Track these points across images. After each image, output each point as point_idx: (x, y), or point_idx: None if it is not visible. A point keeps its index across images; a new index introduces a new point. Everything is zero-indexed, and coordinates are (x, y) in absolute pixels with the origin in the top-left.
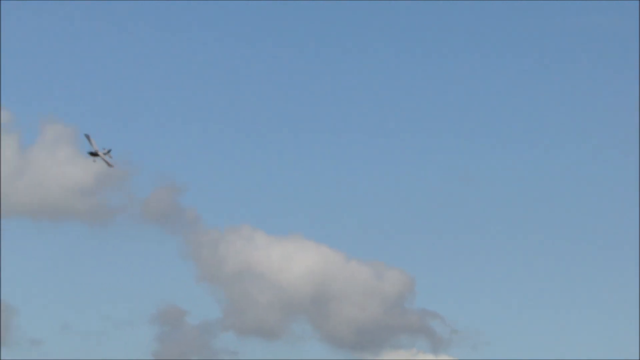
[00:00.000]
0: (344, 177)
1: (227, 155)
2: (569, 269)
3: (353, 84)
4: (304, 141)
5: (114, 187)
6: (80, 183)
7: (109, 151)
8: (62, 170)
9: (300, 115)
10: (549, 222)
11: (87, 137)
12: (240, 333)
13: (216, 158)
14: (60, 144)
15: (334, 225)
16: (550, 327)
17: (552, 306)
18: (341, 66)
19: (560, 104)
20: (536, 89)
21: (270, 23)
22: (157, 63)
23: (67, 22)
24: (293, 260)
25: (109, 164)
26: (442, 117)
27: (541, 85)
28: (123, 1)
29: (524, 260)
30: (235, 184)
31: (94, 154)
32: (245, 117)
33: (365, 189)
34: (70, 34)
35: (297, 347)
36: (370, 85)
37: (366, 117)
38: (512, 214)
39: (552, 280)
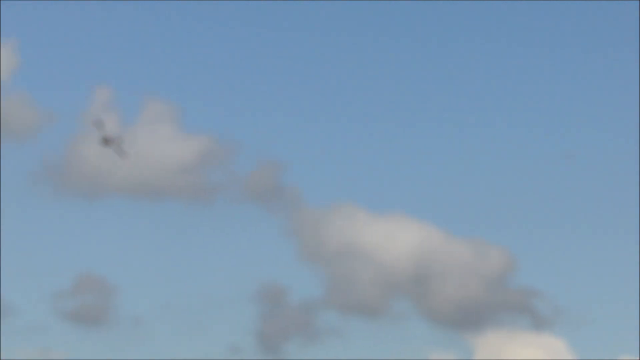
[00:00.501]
0: (445, 153)
1: (328, 133)
2: None
3: (454, 68)
4: (405, 119)
5: (215, 166)
6: (181, 161)
7: (120, 138)
8: (163, 148)
9: (402, 94)
10: None
11: (100, 122)
12: (341, 311)
13: (318, 136)
14: (161, 122)
15: (435, 202)
16: None
17: None
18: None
19: None
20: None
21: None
22: (259, 39)
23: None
24: (394, 238)
25: (122, 152)
26: (545, 92)
27: None
28: None
29: (632, 237)
30: (337, 161)
31: (107, 141)
32: (347, 95)
33: (466, 166)
34: (169, 11)
35: (399, 325)
36: (468, 69)
37: (464, 95)
38: (616, 191)
39: None
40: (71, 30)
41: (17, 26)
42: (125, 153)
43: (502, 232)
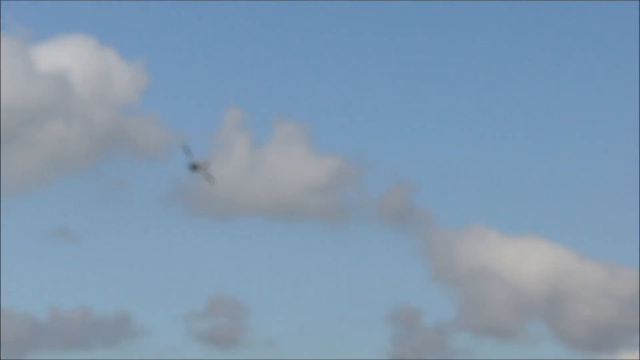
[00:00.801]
0: (577, 176)
1: (461, 155)
2: None
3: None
4: (537, 142)
5: (347, 186)
6: (313, 182)
7: (207, 164)
8: (294, 168)
9: (534, 118)
10: None
11: (186, 148)
12: (475, 333)
13: (449, 157)
14: (292, 142)
15: (567, 224)
16: None
17: None
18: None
19: None
20: None
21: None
22: (391, 61)
23: (296, 21)
24: (527, 260)
25: (210, 178)
26: None
27: None
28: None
29: None
30: (469, 183)
31: (194, 167)
32: (480, 119)
33: (598, 189)
34: (299, 36)
35: (533, 347)
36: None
37: (596, 120)
38: None
39: None
40: (202, 51)
41: (147, 47)
42: (212, 178)
43: (634, 254)
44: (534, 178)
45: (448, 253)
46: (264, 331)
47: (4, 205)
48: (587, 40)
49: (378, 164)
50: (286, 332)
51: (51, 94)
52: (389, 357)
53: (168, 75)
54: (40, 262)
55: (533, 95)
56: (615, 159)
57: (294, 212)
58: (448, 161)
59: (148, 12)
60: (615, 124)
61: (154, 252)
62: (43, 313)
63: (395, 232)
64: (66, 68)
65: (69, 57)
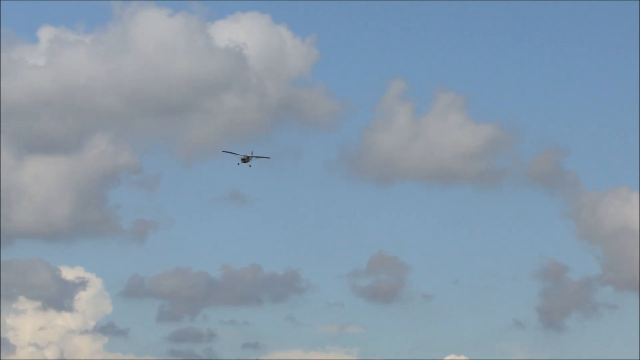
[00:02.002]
0: None
1: (606, 121)
2: None
3: None
4: None
5: (500, 152)
6: (469, 148)
7: (252, 153)
8: (452, 136)
9: None
10: None
11: (229, 152)
12: (618, 288)
13: (596, 123)
14: (451, 111)
15: None
16: None
17: None
18: None
19: None
20: None
21: None
22: (543, 32)
23: None
24: None
25: (265, 157)
26: None
27: None
28: None
29: None
30: (614, 148)
31: (245, 160)
32: (625, 85)
33: None
34: (458, 9)
35: None
36: None
37: None
38: None
39: None
40: (367, 26)
41: (317, 24)
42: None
43: None
44: None
45: (593, 213)
46: (421, 287)
47: (184, 171)
48: None
49: (530, 130)
50: (442, 287)
51: (228, 68)
52: (537, 310)
53: (336, 49)
54: (215, 224)
55: None
56: None
57: (450, 177)
58: (595, 127)
59: None
60: None
61: (320, 214)
62: (217, 271)
63: (544, 194)
64: (242, 43)
65: (244, 33)
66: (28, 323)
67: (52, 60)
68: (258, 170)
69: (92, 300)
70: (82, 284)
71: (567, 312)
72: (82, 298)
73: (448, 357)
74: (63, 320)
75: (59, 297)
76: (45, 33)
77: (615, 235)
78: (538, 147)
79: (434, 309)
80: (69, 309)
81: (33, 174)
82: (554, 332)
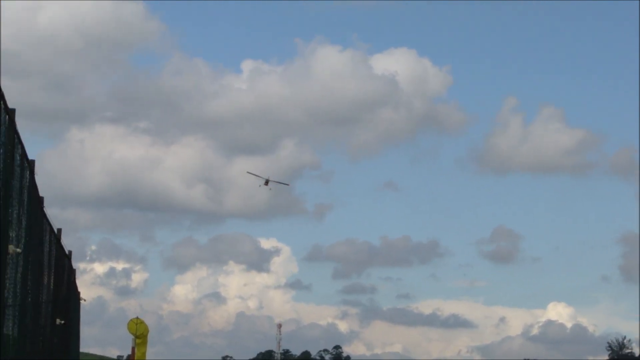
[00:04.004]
0: None
1: None
2: None
3: None
4: None
5: (589, 150)
6: (565, 147)
7: (268, 177)
8: (553, 138)
9: None
10: None
11: (252, 174)
12: None
13: None
14: (551, 120)
15: None
16: None
17: None
18: None
19: None
20: None
21: None
22: None
23: None
24: None
25: (284, 184)
26: None
27: None
28: None
29: None
30: None
31: (266, 183)
32: None
33: None
34: None
35: None
36: None
37: None
38: None
39: None
40: (488, 55)
41: (450, 56)
42: (286, 183)
43: None
44: None
45: None
46: (531, 252)
47: (352, 167)
48: None
49: (612, 133)
50: (546, 252)
51: (384, 90)
52: (619, 268)
53: (465, 75)
54: (375, 206)
55: None
56: None
57: (551, 169)
58: None
59: None
60: None
61: (454, 198)
62: (377, 240)
63: (622, 181)
64: (394, 71)
65: (396, 64)
66: (235, 281)
67: (252, 85)
68: (407, 165)
69: (283, 263)
70: (276, 251)
71: None
72: (276, 262)
73: (551, 303)
74: (261, 279)
75: (258, 261)
76: (247, 65)
77: None
78: (618, 145)
79: (540, 268)
80: (266, 270)
81: (239, 169)
82: (632, 284)
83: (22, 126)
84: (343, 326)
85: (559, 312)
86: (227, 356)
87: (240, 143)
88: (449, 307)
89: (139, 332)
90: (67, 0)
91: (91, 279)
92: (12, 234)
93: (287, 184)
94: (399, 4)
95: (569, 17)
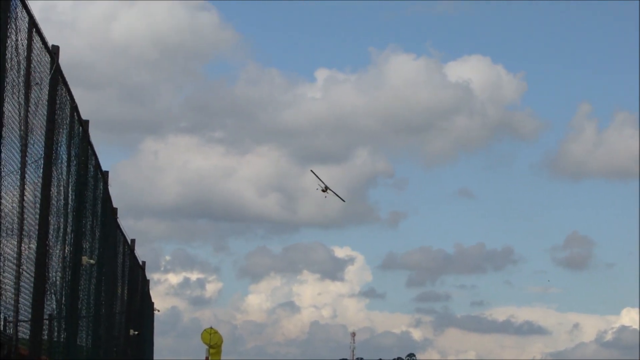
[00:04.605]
0: None
1: None
2: None
3: None
4: None
5: None
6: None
7: (326, 186)
8: (627, 144)
9: None
10: None
11: (315, 174)
12: None
13: None
14: (626, 126)
15: None
16: None
17: None
18: None
19: None
20: None
21: None
22: None
23: None
24: None
25: (340, 198)
26: None
27: None
28: None
29: None
30: None
31: (324, 190)
32: None
33: None
34: None
35: None
36: None
37: None
38: None
39: None
40: (561, 63)
41: (524, 63)
42: (342, 199)
43: None
44: None
45: None
46: (605, 258)
47: (426, 175)
48: None
49: None
50: (621, 258)
51: (458, 97)
52: None
53: (539, 82)
54: (449, 214)
55: None
56: None
57: (626, 175)
58: None
59: None
60: None
61: (528, 204)
62: (451, 248)
63: None
64: (468, 79)
65: (470, 71)
66: (309, 290)
67: (326, 94)
68: (481, 172)
69: (357, 271)
70: (350, 260)
71: None
72: (350, 270)
73: (624, 309)
74: (335, 287)
75: (332, 270)
76: (321, 74)
77: None
78: None
79: (614, 274)
80: (340, 279)
81: (313, 178)
82: None
83: (96, 137)
84: (417, 334)
85: (632, 318)
86: None
87: (314, 152)
88: (522, 314)
89: (213, 342)
90: (142, 10)
91: (165, 290)
92: (86, 245)
93: (344, 200)
94: (472, 6)
95: None
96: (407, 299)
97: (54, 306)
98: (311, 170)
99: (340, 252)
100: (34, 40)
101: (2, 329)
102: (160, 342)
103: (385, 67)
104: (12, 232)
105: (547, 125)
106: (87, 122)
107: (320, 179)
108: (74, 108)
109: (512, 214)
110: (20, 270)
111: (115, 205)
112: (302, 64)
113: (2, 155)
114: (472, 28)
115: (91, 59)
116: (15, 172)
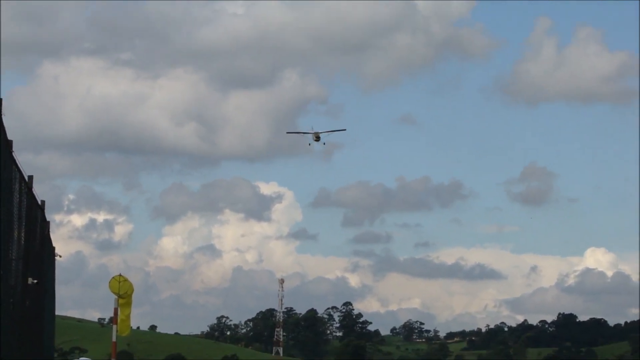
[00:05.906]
0: None
1: None
2: None
3: None
4: None
5: (632, 75)
6: (605, 73)
7: (312, 129)
8: (591, 63)
9: None
10: None
11: (293, 132)
12: None
13: None
14: (590, 43)
15: None
16: None
17: None
18: None
19: None
20: None
21: None
22: None
23: None
24: None
25: (339, 130)
26: None
27: None
28: None
29: None
30: None
31: (317, 138)
32: None
33: None
34: None
35: None
36: None
37: None
38: None
39: None
40: None
41: None
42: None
43: None
44: None
45: None
46: (566, 192)
47: (363, 100)
48: None
49: None
50: (584, 192)
51: (399, 12)
52: None
53: None
54: (390, 143)
55: None
56: None
57: (589, 98)
58: None
59: None
60: None
61: (478, 132)
62: (392, 183)
63: None
64: None
65: None
66: (231, 232)
67: (250, 10)
68: (425, 97)
69: (286, 210)
70: (278, 197)
71: None
72: (277, 209)
73: (589, 249)
74: (261, 228)
75: (257, 209)
76: None
77: None
78: None
79: (577, 210)
80: (266, 218)
81: (235, 105)
82: None
83: None
84: (354, 280)
85: (598, 260)
86: (223, 317)
87: (236, 75)
88: (473, 257)
89: (123, 291)
90: None
91: (68, 232)
92: None
93: (344, 129)
94: None
95: None
96: (343, 240)
97: None
98: (288, 132)
99: (267, 189)
100: None
101: None
102: (63, 292)
103: None
104: None
105: (500, 43)
106: None
107: (301, 132)
108: None
109: (461, 143)
110: None
111: (10, 137)
112: None
113: None
114: None
115: None
116: None
